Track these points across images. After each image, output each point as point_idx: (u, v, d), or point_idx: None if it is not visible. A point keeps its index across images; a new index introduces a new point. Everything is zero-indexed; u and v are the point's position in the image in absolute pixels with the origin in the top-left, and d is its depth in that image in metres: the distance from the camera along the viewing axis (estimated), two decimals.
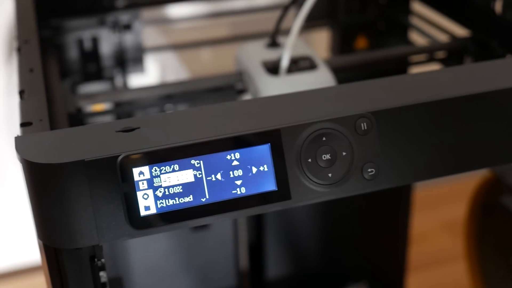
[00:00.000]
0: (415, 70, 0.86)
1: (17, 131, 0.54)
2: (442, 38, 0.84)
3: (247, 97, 0.74)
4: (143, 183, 0.48)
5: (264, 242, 0.98)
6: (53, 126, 0.57)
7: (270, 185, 0.51)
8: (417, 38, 0.93)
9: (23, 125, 0.54)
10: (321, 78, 0.70)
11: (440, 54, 0.82)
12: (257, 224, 0.97)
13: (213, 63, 1.20)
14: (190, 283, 0.95)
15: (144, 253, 0.91)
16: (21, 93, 0.59)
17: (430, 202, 1.45)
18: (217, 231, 0.93)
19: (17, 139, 0.50)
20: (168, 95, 0.75)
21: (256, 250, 0.99)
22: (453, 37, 0.82)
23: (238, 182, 0.50)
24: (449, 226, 1.40)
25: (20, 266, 1.32)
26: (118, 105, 0.78)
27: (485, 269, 1.05)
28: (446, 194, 1.47)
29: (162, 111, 0.78)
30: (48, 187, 0.47)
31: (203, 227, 0.92)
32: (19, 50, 0.67)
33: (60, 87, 0.70)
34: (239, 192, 0.50)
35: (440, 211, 1.45)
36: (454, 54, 0.81)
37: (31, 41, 0.68)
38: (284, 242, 0.99)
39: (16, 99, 0.57)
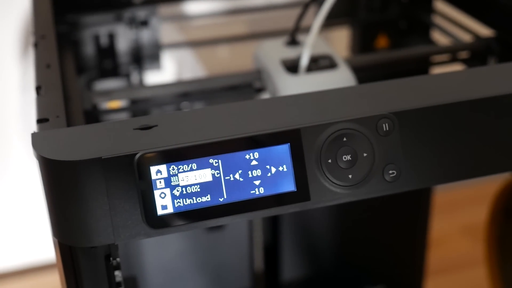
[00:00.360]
0: (437, 70, 0.85)
1: (31, 127, 0.54)
2: (466, 37, 0.83)
3: (265, 95, 0.73)
4: (160, 182, 0.48)
5: (280, 243, 0.97)
6: (69, 122, 0.57)
7: (289, 186, 0.50)
8: (439, 38, 0.92)
9: (39, 121, 0.53)
10: (341, 78, 0.69)
11: (463, 54, 0.81)
12: (273, 225, 0.97)
13: (231, 61, 1.20)
14: (204, 284, 0.95)
15: (158, 253, 0.90)
16: (38, 89, 0.58)
17: (450, 205, 1.44)
18: (232, 232, 0.93)
19: (33, 135, 0.49)
20: (184, 93, 0.75)
21: (271, 252, 0.98)
22: (477, 37, 0.81)
23: (257, 182, 0.50)
24: (469, 230, 1.39)
25: (32, 264, 1.32)
26: (133, 102, 0.77)
27: (506, 274, 1.04)
28: (466, 198, 1.46)
29: (178, 109, 0.78)
30: (64, 184, 0.46)
31: (218, 227, 0.92)
32: (35, 45, 0.67)
33: (76, 83, 0.70)
34: (257, 192, 0.50)
35: (460, 214, 1.43)
36: (477, 54, 0.80)
37: (48, 36, 0.68)
38: (300, 244, 0.98)
39: (31, 95, 0.57)
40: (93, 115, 0.72)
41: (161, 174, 0.47)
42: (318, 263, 1.01)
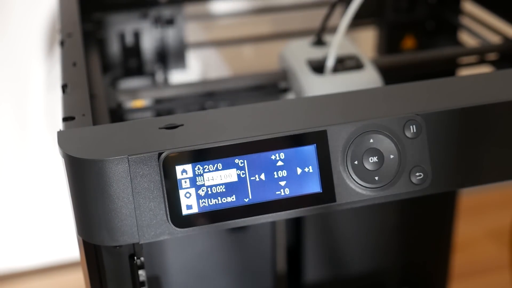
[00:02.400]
0: (464, 72, 0.84)
1: (57, 125, 0.54)
2: (494, 39, 0.82)
3: (290, 96, 0.73)
4: (185, 182, 0.47)
5: (303, 244, 0.96)
6: (94, 121, 0.57)
7: (315, 187, 0.50)
8: (467, 39, 0.91)
9: (65, 119, 0.53)
10: (367, 78, 0.68)
11: (492, 56, 0.80)
12: (296, 226, 0.96)
13: (256, 60, 1.19)
14: (226, 284, 0.95)
15: (181, 253, 0.91)
16: (64, 87, 0.58)
17: (476, 209, 1.43)
18: (255, 232, 0.92)
19: (59, 133, 0.49)
20: (209, 92, 0.74)
21: (294, 253, 0.98)
22: (505, 38, 0.80)
23: (282, 183, 0.49)
24: (495, 234, 1.38)
25: (56, 262, 1.33)
26: (158, 101, 0.77)
27: None
28: (493, 201, 1.45)
29: (203, 108, 0.77)
30: (90, 183, 0.46)
31: (241, 227, 0.91)
32: (62, 43, 0.67)
33: (102, 82, 0.70)
34: (283, 193, 0.50)
35: (487, 218, 1.42)
36: (506, 56, 0.79)
37: (74, 34, 0.68)
38: (323, 246, 0.98)
39: (56, 93, 0.57)
40: (118, 114, 0.72)
41: (186, 173, 0.47)
42: (341, 265, 1.01)
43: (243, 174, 0.48)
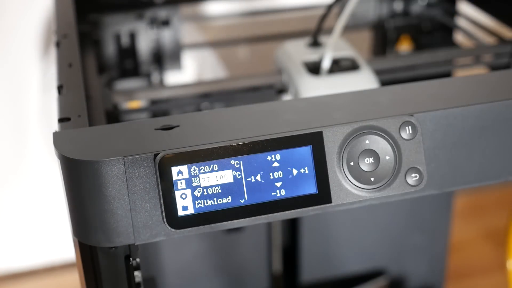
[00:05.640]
0: (460, 73, 0.84)
1: (52, 126, 0.54)
2: (489, 40, 0.82)
3: (286, 97, 0.73)
4: (181, 183, 0.47)
5: (299, 245, 0.96)
6: (90, 122, 0.57)
7: (311, 188, 0.50)
8: (463, 40, 0.91)
9: (61, 120, 0.53)
10: (363, 79, 0.68)
11: (487, 57, 0.80)
12: (292, 227, 0.96)
13: (252, 61, 1.19)
14: (222, 286, 0.95)
15: (177, 254, 0.90)
16: (60, 88, 0.58)
17: (472, 209, 1.43)
18: (251, 233, 0.92)
19: (55, 134, 0.49)
20: (205, 93, 0.74)
21: (290, 253, 0.98)
22: (501, 40, 0.80)
23: (278, 184, 0.49)
24: (491, 235, 1.38)
25: (52, 263, 1.32)
26: (154, 102, 0.77)
27: None
28: (489, 202, 1.45)
29: (199, 109, 0.77)
30: (85, 184, 0.46)
31: (237, 228, 0.91)
32: (58, 44, 0.67)
33: (97, 83, 0.70)
34: (278, 194, 0.50)
35: (482, 219, 1.42)
36: (501, 57, 0.79)
37: (70, 35, 0.68)
38: (319, 246, 0.98)
39: (52, 94, 0.57)
40: (114, 115, 0.72)
41: (182, 174, 0.47)
42: (336, 265, 1.01)
43: (239, 175, 0.48)
